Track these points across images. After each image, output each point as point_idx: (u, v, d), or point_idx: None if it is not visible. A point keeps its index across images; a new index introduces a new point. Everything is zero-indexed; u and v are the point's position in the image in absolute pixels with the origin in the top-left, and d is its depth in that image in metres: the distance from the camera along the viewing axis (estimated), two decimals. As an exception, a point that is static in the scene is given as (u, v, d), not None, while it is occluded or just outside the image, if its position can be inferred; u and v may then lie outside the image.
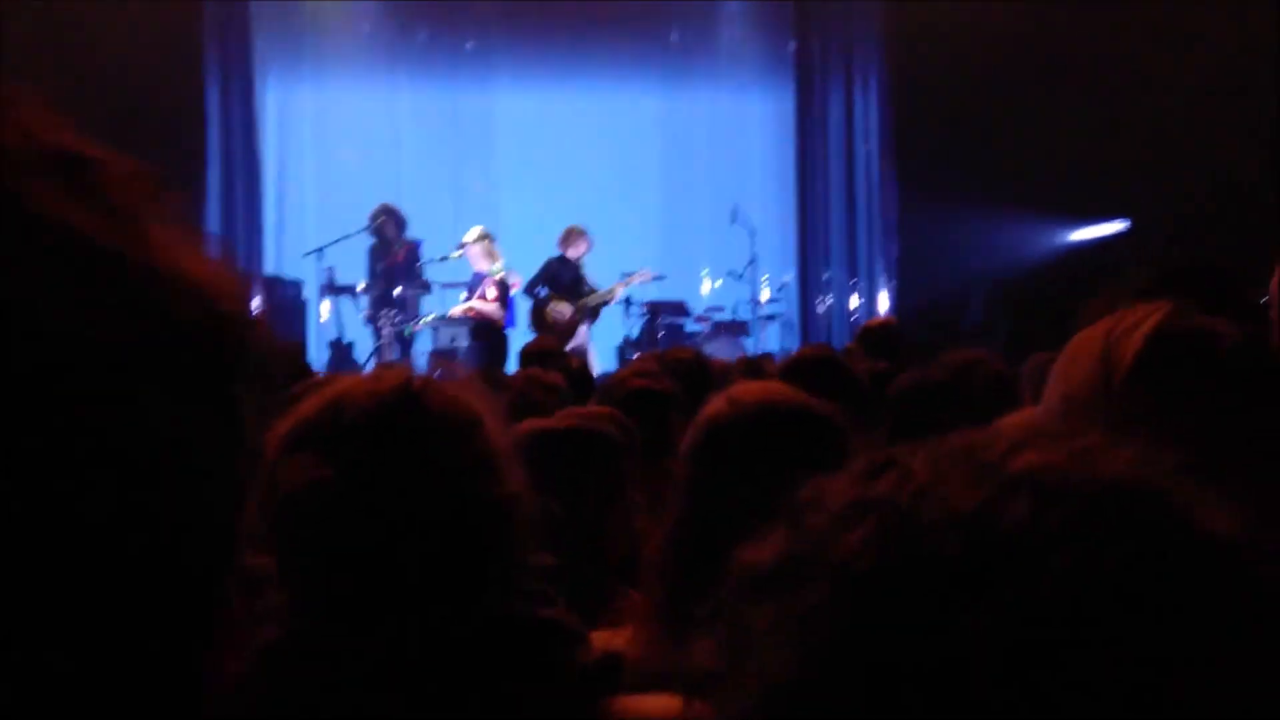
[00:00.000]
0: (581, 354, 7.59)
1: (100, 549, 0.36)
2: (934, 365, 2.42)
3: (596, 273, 8.91)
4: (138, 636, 0.38)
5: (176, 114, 8.25)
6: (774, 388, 1.79)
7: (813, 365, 2.83)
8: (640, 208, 10.72)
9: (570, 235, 8.79)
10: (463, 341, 8.19)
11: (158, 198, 0.40)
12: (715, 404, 1.70)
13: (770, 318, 9.57)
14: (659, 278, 8.96)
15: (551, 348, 5.13)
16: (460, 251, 8.60)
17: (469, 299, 8.51)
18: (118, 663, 0.37)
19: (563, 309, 8.64)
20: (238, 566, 0.43)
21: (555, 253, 8.82)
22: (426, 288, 8.87)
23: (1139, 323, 1.23)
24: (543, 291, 8.72)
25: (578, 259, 8.77)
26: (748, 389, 1.86)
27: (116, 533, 0.37)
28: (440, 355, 8.18)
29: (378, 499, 1.09)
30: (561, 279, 8.72)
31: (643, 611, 1.62)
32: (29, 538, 0.34)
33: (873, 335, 4.93)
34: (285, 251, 9.76)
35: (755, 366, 4.24)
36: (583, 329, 8.68)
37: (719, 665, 0.45)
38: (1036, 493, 0.41)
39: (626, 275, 8.90)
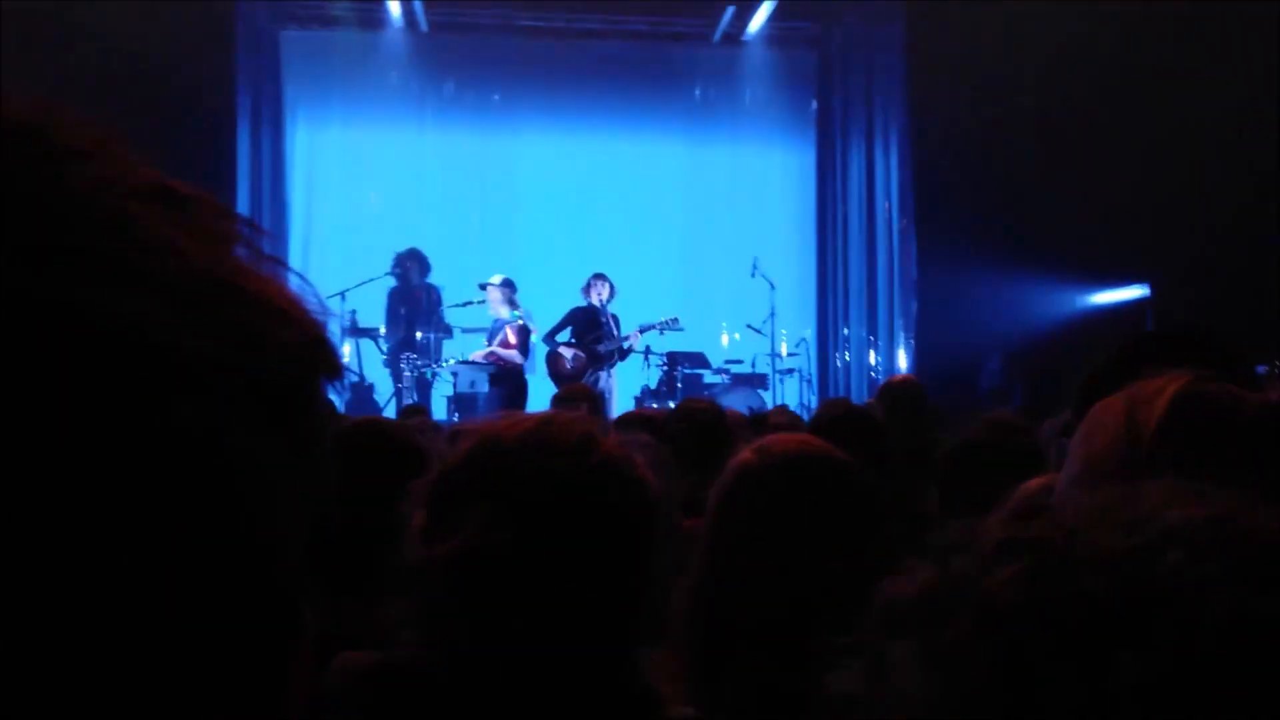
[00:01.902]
0: (601, 401, 7.60)
1: (187, 569, 0.36)
2: (975, 428, 2.43)
3: (620, 322, 8.97)
4: (211, 659, 0.38)
5: (207, 153, 8.38)
6: (801, 440, 1.79)
7: (843, 420, 2.84)
8: (661, 259, 10.80)
9: (593, 283, 8.85)
10: (483, 386, 8.23)
11: (244, 232, 0.42)
12: (744, 455, 1.70)
13: (789, 371, 9.58)
14: (677, 327, 8.97)
15: (583, 394, 5.16)
16: (482, 297, 8.67)
17: (490, 344, 8.56)
18: (198, 684, 0.37)
19: (571, 355, 8.68)
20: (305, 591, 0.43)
21: (578, 300, 8.88)
22: (448, 332, 8.93)
23: (1161, 389, 1.24)
24: (564, 338, 8.77)
25: (600, 306, 8.84)
26: (776, 440, 1.87)
27: (203, 555, 0.37)
28: (460, 399, 8.22)
29: (558, 558, 1.06)
30: (583, 326, 8.77)
31: (671, 670, 1.61)
32: (120, 553, 0.35)
33: (894, 392, 4.93)
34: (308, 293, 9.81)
35: (760, 420, 4.24)
36: (604, 375, 8.71)
37: (858, 695, 0.45)
38: (1192, 541, 0.40)
39: (645, 325, 8.93)
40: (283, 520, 0.40)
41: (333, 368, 0.42)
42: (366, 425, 2.13)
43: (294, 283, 0.43)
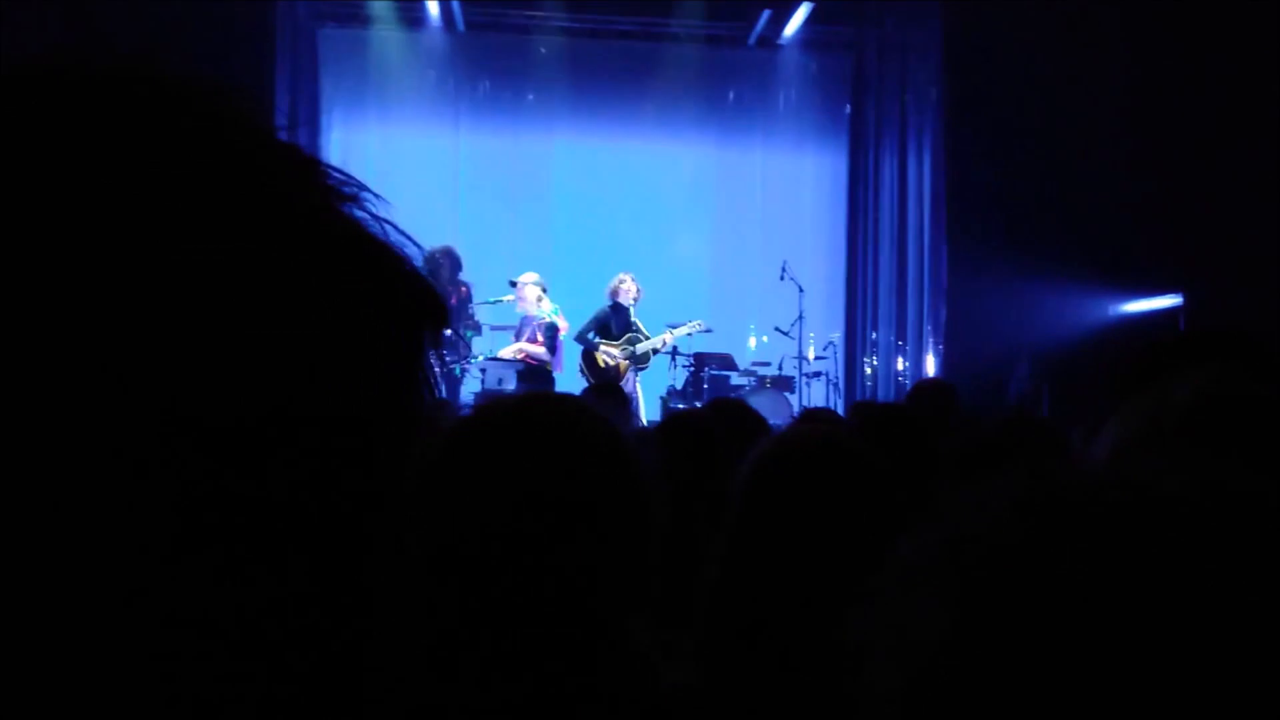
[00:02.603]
0: (627, 400, 7.64)
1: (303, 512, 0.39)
2: (985, 422, 2.44)
3: (645, 321, 9.00)
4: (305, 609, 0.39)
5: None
6: (822, 430, 1.82)
7: (880, 420, 2.86)
8: (691, 260, 10.83)
9: (621, 283, 8.89)
10: (510, 383, 8.28)
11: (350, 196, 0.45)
12: (765, 443, 1.74)
13: (816, 375, 9.57)
14: (707, 330, 9.03)
15: (613, 388, 5.21)
16: (512, 295, 8.73)
17: (518, 341, 8.62)
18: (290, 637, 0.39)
19: (613, 354, 8.73)
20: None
21: (606, 300, 8.92)
22: (477, 329, 8.99)
23: (1190, 385, 1.25)
24: (594, 338, 8.81)
25: (628, 306, 8.87)
26: (797, 431, 1.90)
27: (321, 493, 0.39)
28: (488, 396, 8.26)
29: (546, 526, 1.09)
30: (612, 326, 8.81)
31: (690, 649, 1.64)
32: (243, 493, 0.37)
33: (925, 394, 4.93)
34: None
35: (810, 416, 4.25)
36: (630, 376, 8.74)
37: (873, 640, 0.48)
38: (1182, 502, 0.44)
39: (673, 325, 8.98)
40: (393, 461, 0.43)
41: (440, 318, 0.46)
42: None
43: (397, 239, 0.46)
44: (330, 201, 0.44)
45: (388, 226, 0.45)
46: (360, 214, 0.45)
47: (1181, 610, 0.41)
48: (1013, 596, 0.43)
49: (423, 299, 0.44)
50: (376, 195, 0.46)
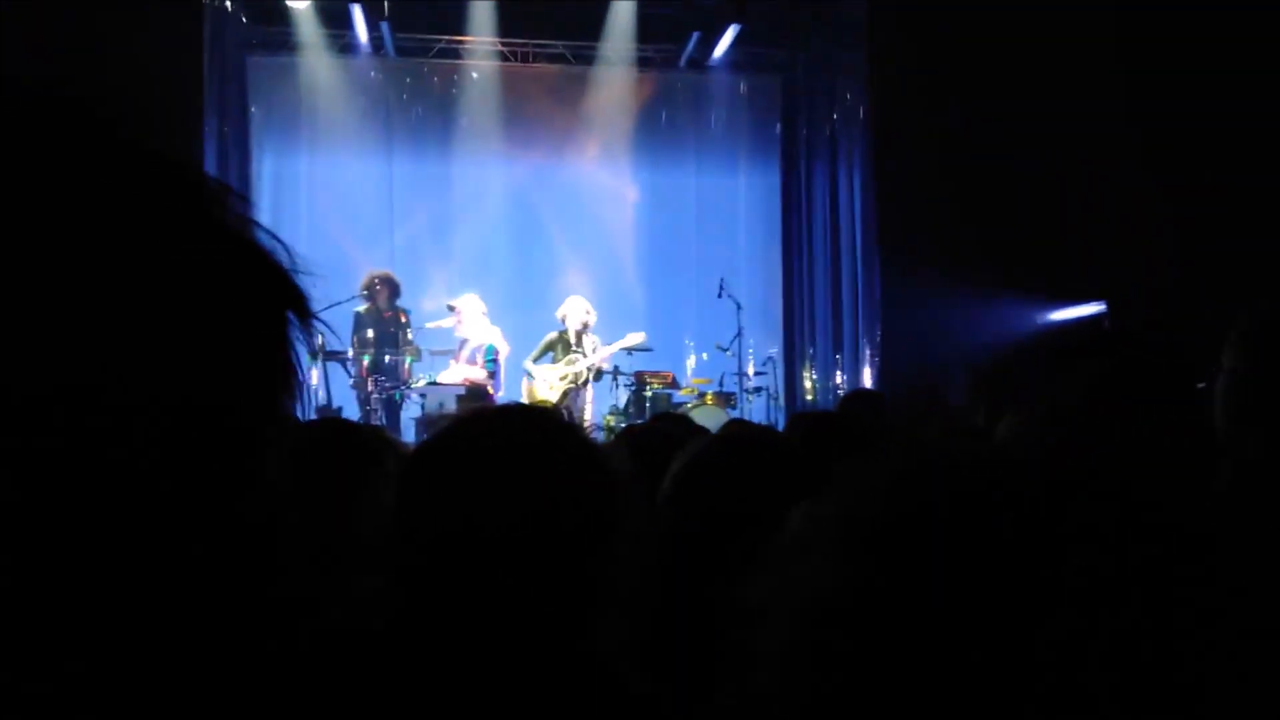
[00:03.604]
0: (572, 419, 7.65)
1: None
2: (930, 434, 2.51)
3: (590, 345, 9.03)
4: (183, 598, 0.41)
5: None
6: (742, 425, 1.89)
7: (815, 426, 2.95)
8: (628, 280, 10.89)
9: (569, 306, 8.94)
10: (451, 408, 8.25)
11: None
12: (691, 445, 1.82)
13: (756, 390, 9.67)
14: (647, 349, 9.07)
15: (553, 409, 5.21)
16: (452, 318, 8.70)
17: (457, 364, 8.59)
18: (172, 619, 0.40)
19: (550, 377, 8.74)
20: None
21: (548, 320, 8.94)
22: (416, 354, 8.95)
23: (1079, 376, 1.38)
24: (539, 362, 8.83)
25: (577, 330, 8.90)
26: (729, 432, 1.97)
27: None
28: (429, 421, 8.22)
29: (523, 532, 1.12)
30: (559, 350, 8.84)
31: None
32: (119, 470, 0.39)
33: (854, 402, 5.03)
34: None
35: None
36: (581, 395, 8.77)
37: (766, 604, 0.54)
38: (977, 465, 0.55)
39: (612, 343, 9.02)
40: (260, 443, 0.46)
41: (302, 305, 0.50)
42: (327, 422, 2.16)
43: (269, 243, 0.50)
44: (191, 201, 0.47)
45: (253, 226, 0.49)
46: (233, 217, 0.48)
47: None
48: (882, 554, 0.51)
49: (280, 285, 0.48)
50: (242, 198, 0.50)
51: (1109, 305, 8.73)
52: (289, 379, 0.47)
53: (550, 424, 1.20)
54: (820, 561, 0.52)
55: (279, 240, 0.50)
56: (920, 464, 0.55)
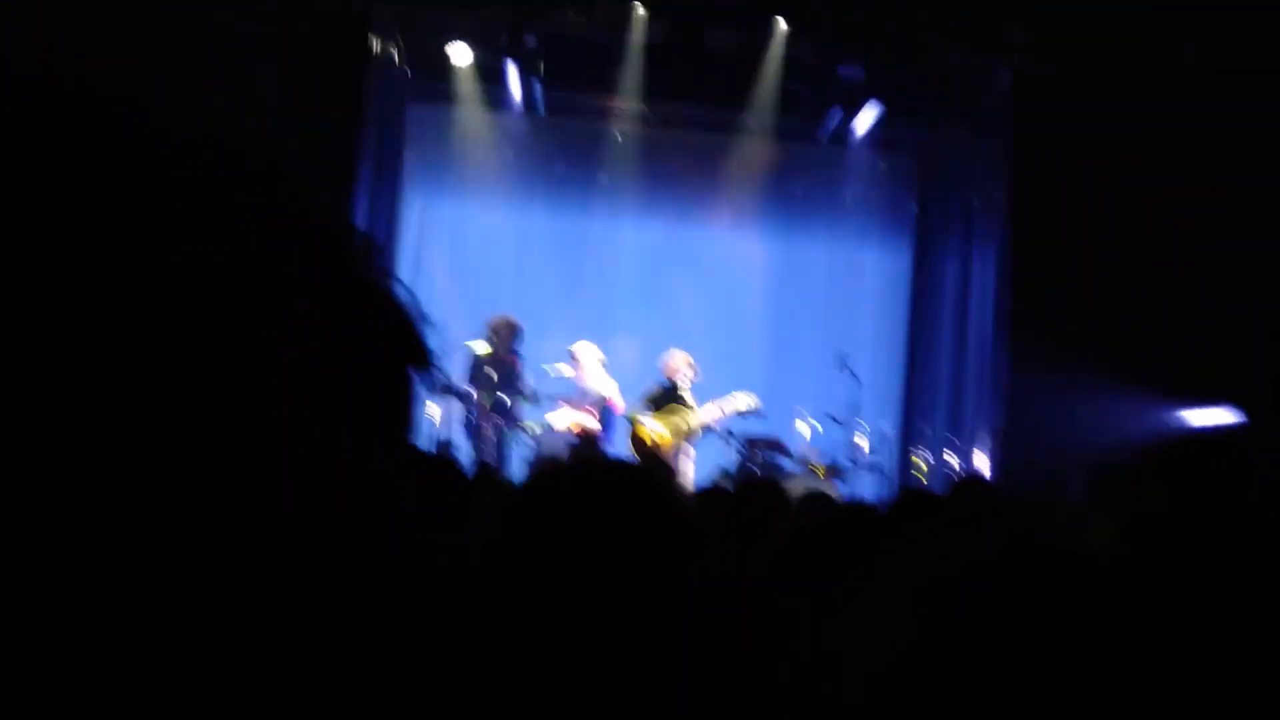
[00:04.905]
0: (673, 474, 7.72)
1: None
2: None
3: (700, 402, 9.10)
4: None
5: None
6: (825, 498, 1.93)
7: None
8: (749, 346, 10.95)
9: (672, 359, 9.05)
10: (561, 454, 8.41)
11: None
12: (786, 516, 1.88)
13: (867, 466, 9.57)
14: (757, 412, 9.05)
15: (659, 462, 5.31)
16: (570, 367, 8.91)
17: (571, 412, 8.77)
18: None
19: (659, 429, 8.83)
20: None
21: (660, 378, 9.06)
22: (535, 399, 9.17)
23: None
24: (644, 413, 8.94)
25: (682, 386, 8.99)
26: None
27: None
28: (539, 464, 8.40)
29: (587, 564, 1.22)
30: (661, 402, 8.94)
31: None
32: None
33: (964, 489, 4.94)
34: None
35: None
36: (684, 456, 8.83)
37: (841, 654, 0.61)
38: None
39: (723, 403, 9.03)
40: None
41: (423, 357, 0.52)
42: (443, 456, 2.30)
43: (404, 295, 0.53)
44: (337, 257, 0.50)
45: (391, 280, 0.52)
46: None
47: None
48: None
49: (406, 337, 0.51)
50: (382, 250, 0.55)
51: (1245, 412, 8.37)
52: (403, 424, 0.51)
53: (645, 486, 1.29)
54: (895, 621, 0.53)
55: (412, 294, 0.52)
56: (996, 551, 0.56)
